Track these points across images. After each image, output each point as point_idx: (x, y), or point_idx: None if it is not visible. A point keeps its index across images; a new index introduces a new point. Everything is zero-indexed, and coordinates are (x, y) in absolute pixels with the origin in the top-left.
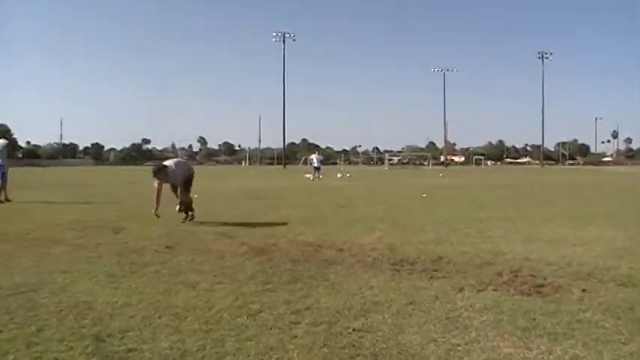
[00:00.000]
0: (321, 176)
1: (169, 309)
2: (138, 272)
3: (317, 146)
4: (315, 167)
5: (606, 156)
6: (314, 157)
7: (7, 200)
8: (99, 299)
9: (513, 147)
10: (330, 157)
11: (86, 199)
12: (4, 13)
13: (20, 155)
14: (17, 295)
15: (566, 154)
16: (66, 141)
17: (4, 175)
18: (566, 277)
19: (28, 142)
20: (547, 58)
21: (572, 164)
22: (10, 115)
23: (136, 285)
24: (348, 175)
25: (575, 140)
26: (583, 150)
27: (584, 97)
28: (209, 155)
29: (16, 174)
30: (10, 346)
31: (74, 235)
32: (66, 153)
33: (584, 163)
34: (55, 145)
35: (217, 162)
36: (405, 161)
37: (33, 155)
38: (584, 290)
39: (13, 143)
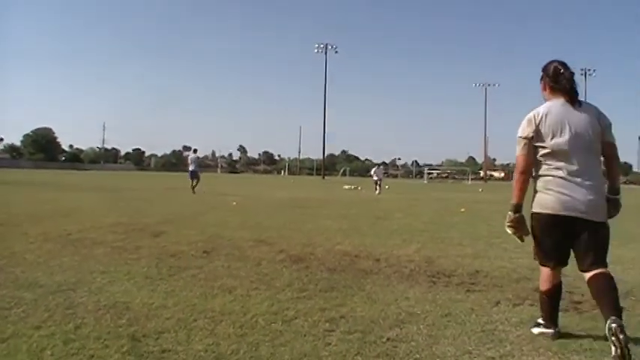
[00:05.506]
0: (386, 187)
1: (205, 312)
2: (175, 275)
3: (384, 163)
4: (375, 180)
5: None
6: (375, 170)
7: (194, 193)
8: (136, 300)
9: None
10: (368, 170)
11: (127, 203)
12: (47, 24)
13: (63, 159)
14: (57, 294)
15: None
16: (108, 146)
17: (198, 177)
18: None
19: (71, 146)
20: (590, 74)
21: None
22: (54, 119)
23: (173, 288)
24: (387, 187)
25: None
26: (625, 169)
27: (626, 114)
28: (249, 164)
29: (58, 177)
30: (48, 342)
31: (115, 237)
32: (108, 158)
33: (626, 182)
34: (98, 150)
35: (256, 171)
36: (444, 175)
37: (75, 159)
38: (622, 308)
39: (199, 157)
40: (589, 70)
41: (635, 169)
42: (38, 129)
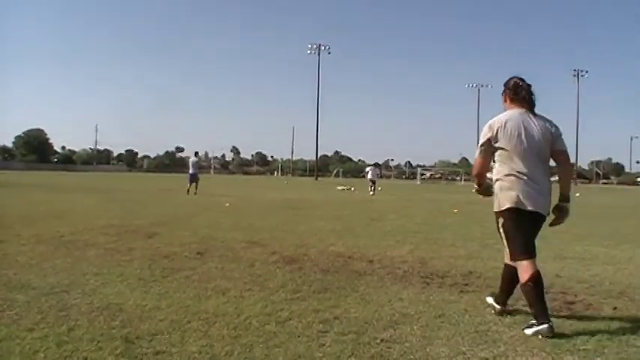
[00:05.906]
0: (379, 188)
1: (199, 314)
2: (168, 277)
3: (378, 164)
4: (370, 180)
5: None
6: (369, 170)
7: (195, 194)
8: (129, 302)
9: None
10: (361, 170)
11: (119, 205)
12: (47, 24)
13: (55, 160)
14: (50, 296)
15: (600, 173)
16: (100, 147)
17: (197, 180)
18: (598, 295)
19: (63, 148)
20: (582, 75)
21: (605, 183)
22: (53, 119)
23: (166, 289)
24: (379, 188)
25: (610, 159)
26: (618, 169)
27: (620, 115)
28: (241, 165)
29: (50, 178)
30: (41, 344)
31: (107, 239)
32: (100, 159)
33: (618, 183)
34: (90, 151)
35: (248, 172)
36: (437, 176)
37: (68, 160)
38: (615, 308)
39: (199, 159)
40: (581, 71)
41: (627, 170)
42: (30, 130)
